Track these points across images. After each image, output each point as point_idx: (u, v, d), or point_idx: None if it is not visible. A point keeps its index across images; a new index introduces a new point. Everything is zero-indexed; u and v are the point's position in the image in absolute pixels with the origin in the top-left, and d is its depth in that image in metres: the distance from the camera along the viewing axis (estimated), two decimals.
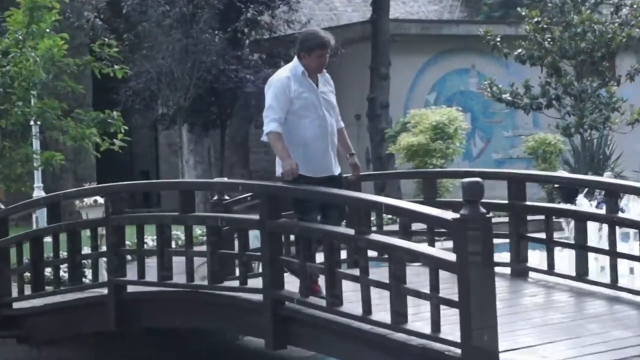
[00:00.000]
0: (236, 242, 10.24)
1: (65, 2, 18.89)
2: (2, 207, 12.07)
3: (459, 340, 7.50)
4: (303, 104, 9.07)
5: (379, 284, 8.33)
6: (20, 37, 17.80)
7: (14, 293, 11.92)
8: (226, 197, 12.01)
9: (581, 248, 10.37)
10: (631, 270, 11.07)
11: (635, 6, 27.63)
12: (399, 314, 8.09)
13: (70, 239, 11.46)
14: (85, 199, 13.75)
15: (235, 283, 9.96)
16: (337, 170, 9.43)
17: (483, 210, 7.38)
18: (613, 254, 10.05)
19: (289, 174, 8.88)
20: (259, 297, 9.39)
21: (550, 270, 10.72)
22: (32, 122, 19.06)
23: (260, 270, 9.80)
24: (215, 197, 12.11)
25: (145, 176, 35.61)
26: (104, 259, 11.36)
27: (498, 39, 27.25)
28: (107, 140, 18.61)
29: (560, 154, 27.32)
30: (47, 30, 18.15)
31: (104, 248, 11.33)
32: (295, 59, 9.32)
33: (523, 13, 27.54)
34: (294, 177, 8.92)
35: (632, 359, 7.82)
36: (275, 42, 30.05)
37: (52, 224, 12.11)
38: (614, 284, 10.04)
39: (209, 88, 27.04)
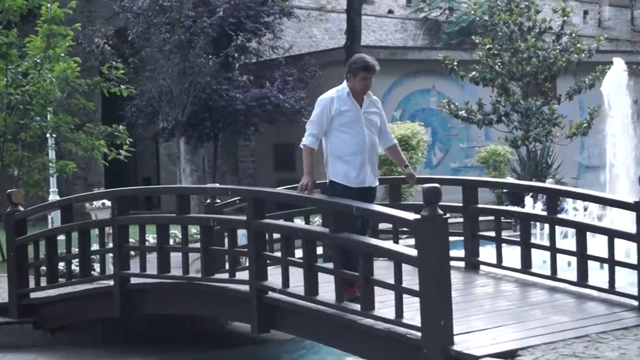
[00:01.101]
0: (226, 240, 10.25)
1: (78, 30, 18.76)
2: (22, 209, 11.98)
3: (419, 325, 7.52)
4: (344, 121, 8.91)
5: (350, 276, 8.34)
6: (38, 60, 17.76)
7: (31, 284, 11.83)
8: (218, 201, 11.98)
9: (525, 244, 10.41)
10: (569, 264, 11.11)
11: (573, 35, 27.73)
12: (367, 302, 8.10)
13: (81, 237, 11.43)
14: (95, 202, 13.64)
15: (225, 275, 9.94)
16: (374, 183, 9.14)
17: (441, 211, 7.40)
18: (553, 250, 10.09)
19: (302, 188, 8.81)
20: (245, 287, 9.34)
21: (499, 264, 10.75)
22: (48, 135, 19.03)
23: (247, 264, 9.79)
24: (208, 201, 12.10)
25: (147, 182, 35.53)
26: (111, 254, 11.33)
27: (455, 63, 27.28)
28: (114, 150, 18.58)
29: (508, 163, 27.44)
30: (62, 54, 18.11)
31: (110, 245, 11.28)
32: (345, 81, 9.21)
33: (477, 40, 27.58)
34: (305, 192, 8.83)
35: (569, 341, 7.84)
36: (262, 65, 30.15)
37: (65, 224, 12.04)
38: (554, 275, 10.08)
39: (203, 105, 27.07)
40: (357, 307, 8.19)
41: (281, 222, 10.27)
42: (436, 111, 31.19)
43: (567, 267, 11.12)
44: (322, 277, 8.77)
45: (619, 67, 19.15)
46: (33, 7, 18.24)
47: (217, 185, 17.01)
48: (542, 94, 27.06)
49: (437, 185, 7.51)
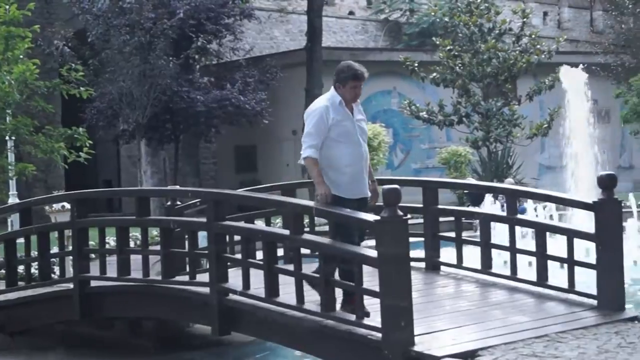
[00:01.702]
0: (187, 242, 10.22)
1: (37, 32, 18.60)
2: None
3: (379, 326, 7.52)
4: (340, 131, 8.64)
5: (311, 278, 8.34)
6: None
7: None
8: (178, 203, 11.96)
9: (485, 245, 10.46)
10: (529, 264, 11.15)
11: (533, 36, 27.87)
12: (329, 303, 8.10)
13: (40, 240, 11.36)
14: (54, 205, 13.56)
15: (186, 278, 9.90)
16: (369, 193, 8.91)
17: (401, 212, 7.41)
18: (513, 250, 10.14)
19: (323, 199, 8.45)
20: (206, 289, 9.30)
21: (459, 264, 10.78)
22: (7, 137, 18.86)
23: (208, 266, 9.77)
24: (169, 203, 12.07)
25: (108, 185, 35.40)
26: (70, 257, 11.27)
27: (416, 65, 27.42)
28: (73, 153, 18.44)
29: (469, 164, 27.52)
30: (21, 56, 17.93)
31: (70, 248, 11.21)
32: (332, 89, 8.98)
33: (437, 42, 27.67)
34: (327, 201, 8.44)
35: (529, 340, 7.88)
36: (223, 67, 30.10)
37: (24, 227, 11.99)
38: (514, 276, 10.12)
39: (164, 107, 26.99)
40: (318, 308, 8.19)
41: (241, 224, 10.28)
42: (397, 112, 31.26)
43: (528, 267, 11.19)
44: (283, 278, 8.76)
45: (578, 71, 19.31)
46: None
47: (178, 187, 16.96)
48: (503, 95, 27.20)
49: (396, 186, 7.53)
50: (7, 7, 17.59)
